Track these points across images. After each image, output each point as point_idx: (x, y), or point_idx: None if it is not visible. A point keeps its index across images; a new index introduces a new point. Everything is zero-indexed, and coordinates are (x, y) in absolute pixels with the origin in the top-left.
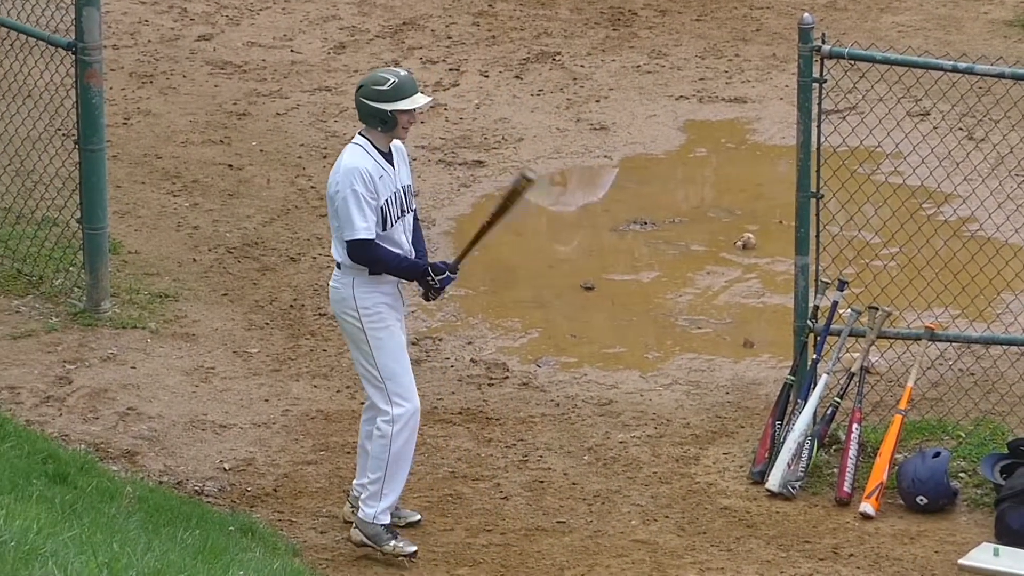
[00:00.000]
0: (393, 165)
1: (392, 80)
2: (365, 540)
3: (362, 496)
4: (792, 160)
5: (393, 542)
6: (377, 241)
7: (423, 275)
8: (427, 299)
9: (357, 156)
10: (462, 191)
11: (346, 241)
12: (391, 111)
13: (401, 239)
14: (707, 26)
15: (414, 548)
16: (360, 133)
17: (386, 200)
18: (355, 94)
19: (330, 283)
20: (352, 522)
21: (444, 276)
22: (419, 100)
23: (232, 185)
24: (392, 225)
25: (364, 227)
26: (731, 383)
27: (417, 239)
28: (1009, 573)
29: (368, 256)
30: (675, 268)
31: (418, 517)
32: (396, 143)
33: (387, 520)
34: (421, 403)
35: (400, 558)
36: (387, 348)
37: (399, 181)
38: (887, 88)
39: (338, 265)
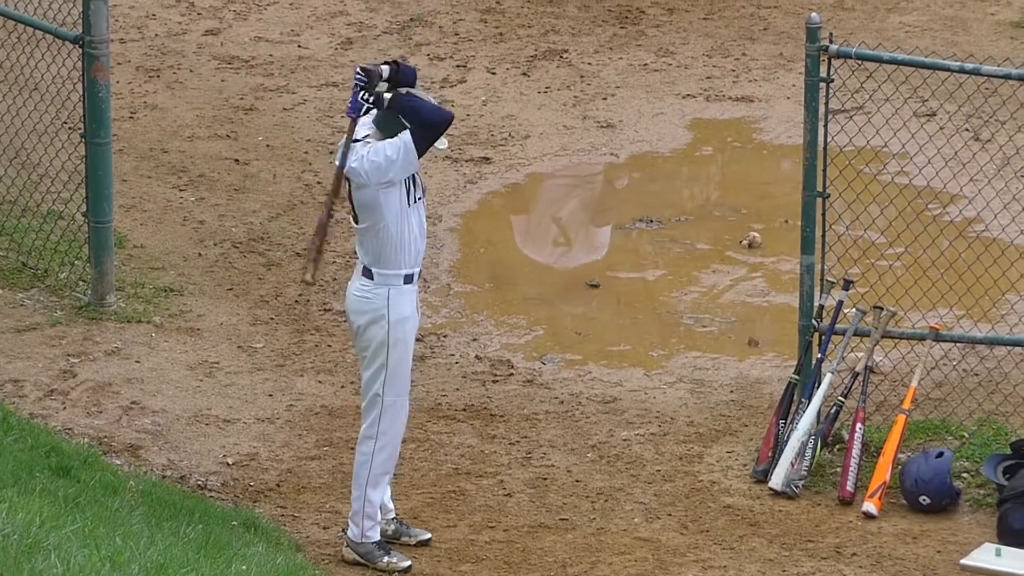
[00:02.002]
0: None
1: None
2: (358, 558)
3: (348, 515)
4: (798, 159)
5: (387, 558)
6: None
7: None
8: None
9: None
10: (468, 188)
11: (414, 137)
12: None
13: (421, 221)
14: (714, 25)
15: (408, 563)
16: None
17: (407, 176)
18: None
19: (352, 292)
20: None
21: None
22: (441, 141)
23: (238, 180)
24: (415, 202)
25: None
26: (735, 382)
27: None
28: (1011, 573)
29: (435, 114)
30: (680, 266)
31: (428, 536)
32: None
33: (376, 536)
34: (426, 399)
35: (395, 574)
36: (401, 367)
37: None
38: (894, 88)
39: (368, 275)
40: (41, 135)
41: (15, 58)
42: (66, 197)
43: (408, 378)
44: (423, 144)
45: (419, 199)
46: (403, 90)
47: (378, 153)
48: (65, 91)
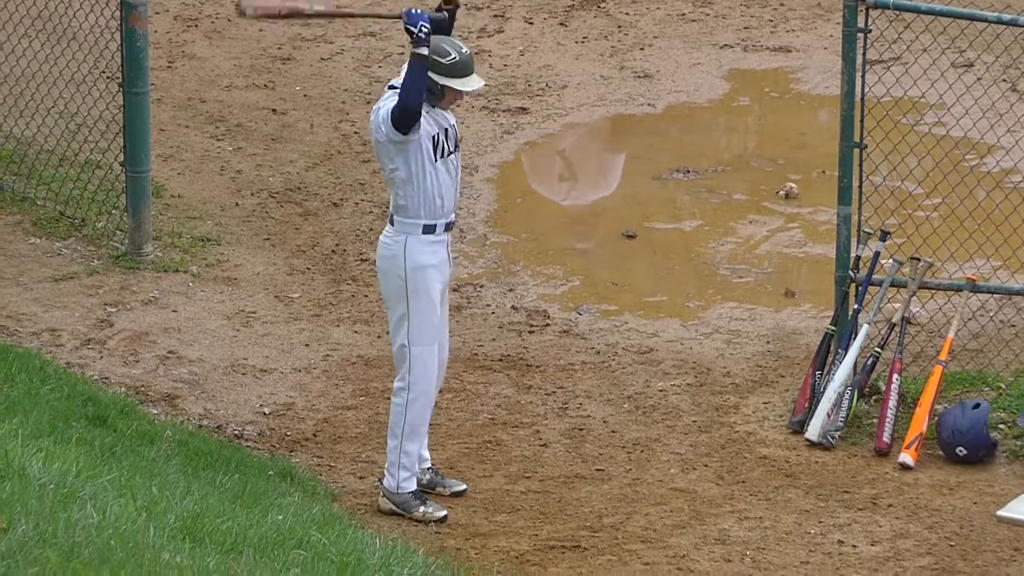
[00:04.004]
0: (435, 109)
1: (454, 56)
2: (394, 508)
3: (384, 465)
4: (835, 110)
5: (422, 508)
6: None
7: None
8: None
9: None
10: (505, 138)
11: (392, 109)
12: (443, 86)
13: (454, 176)
14: None
15: (444, 512)
16: (396, 85)
17: (439, 131)
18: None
19: (380, 238)
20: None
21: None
22: (473, 82)
23: (275, 130)
24: (445, 156)
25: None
26: (772, 332)
27: None
28: None
29: (411, 94)
30: (717, 217)
31: (463, 487)
32: None
33: (413, 486)
34: (462, 349)
35: (431, 523)
36: (424, 316)
37: (448, 120)
38: (931, 39)
39: (391, 221)
40: (79, 84)
41: (53, 7)
42: (104, 147)
43: (435, 328)
44: (395, 121)
45: (450, 153)
46: (422, 50)
47: (378, 112)
48: (103, 40)
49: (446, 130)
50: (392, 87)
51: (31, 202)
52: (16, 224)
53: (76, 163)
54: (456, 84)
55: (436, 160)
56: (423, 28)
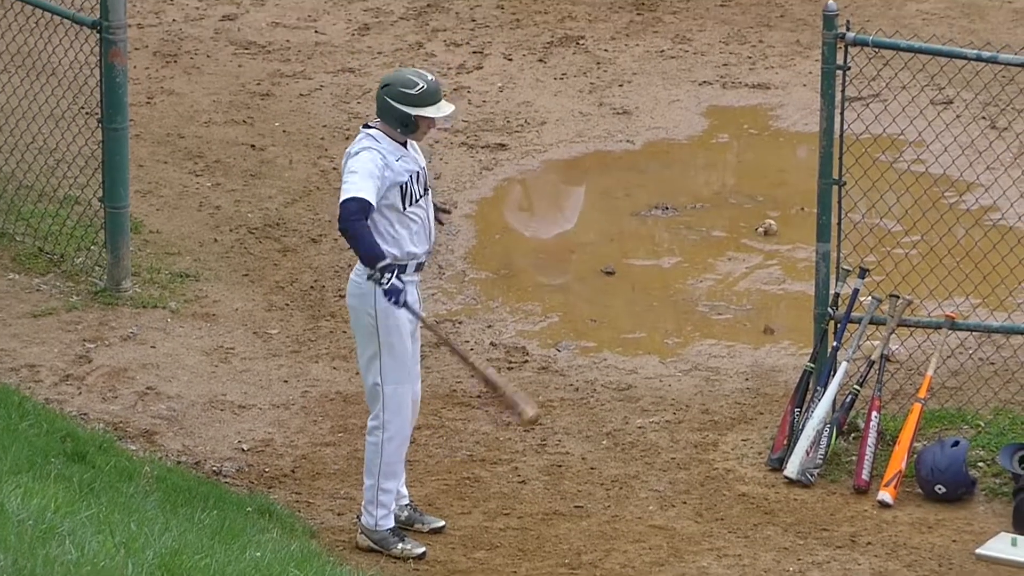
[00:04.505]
0: (407, 149)
1: (421, 85)
2: (372, 545)
3: (362, 503)
4: (814, 147)
5: (400, 544)
6: (365, 214)
7: (378, 268)
8: (378, 283)
9: (371, 139)
10: (484, 174)
11: (342, 202)
12: (414, 116)
13: (424, 220)
14: (731, 12)
15: (423, 549)
16: (371, 124)
17: (408, 178)
18: (379, 90)
19: (351, 276)
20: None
21: (393, 288)
22: (444, 108)
23: (254, 165)
24: (415, 203)
25: (362, 188)
26: (750, 369)
27: None
28: None
29: (354, 218)
30: (696, 254)
31: (442, 524)
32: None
33: (391, 523)
34: (440, 386)
35: (409, 560)
36: (396, 354)
37: (417, 163)
38: (911, 76)
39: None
40: (58, 120)
41: (33, 43)
42: (83, 182)
43: (407, 366)
44: (343, 212)
45: (419, 199)
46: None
47: (348, 158)
48: (82, 76)
49: (416, 174)
50: (367, 128)
51: (10, 238)
52: None
53: (55, 199)
54: (429, 112)
55: (404, 209)
56: (388, 295)
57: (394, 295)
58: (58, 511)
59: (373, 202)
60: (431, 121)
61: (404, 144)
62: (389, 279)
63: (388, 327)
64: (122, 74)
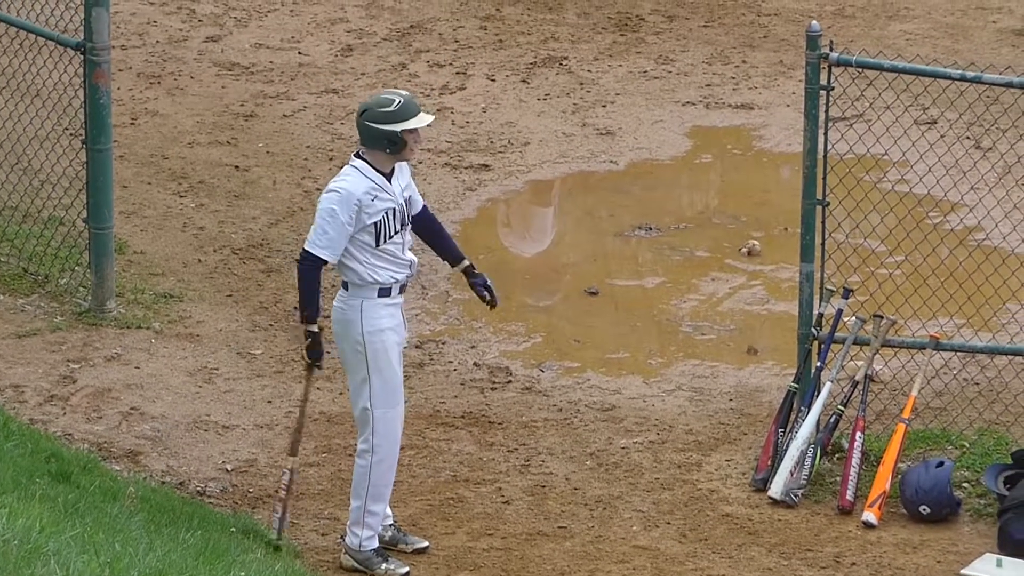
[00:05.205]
0: (392, 183)
1: (398, 100)
2: (356, 565)
3: (348, 523)
4: (798, 167)
5: (384, 565)
6: (320, 268)
7: (307, 331)
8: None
9: (351, 178)
10: (467, 195)
11: (302, 251)
12: (400, 131)
13: (400, 252)
14: (714, 32)
15: (406, 569)
16: (357, 155)
17: (383, 216)
18: (358, 119)
19: (335, 303)
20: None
21: (317, 352)
22: (425, 119)
23: (238, 186)
24: (387, 240)
25: (325, 246)
26: (734, 390)
27: (442, 237)
28: None
29: (307, 274)
30: (679, 274)
31: (426, 544)
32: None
33: (375, 544)
34: (424, 406)
35: None
36: (385, 378)
37: (400, 197)
38: (894, 96)
39: (344, 285)
40: (43, 141)
41: (17, 64)
42: (67, 203)
43: (397, 391)
44: (301, 264)
45: (391, 237)
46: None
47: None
48: (67, 97)
49: (392, 211)
50: (356, 158)
51: None
52: None
53: (39, 220)
54: (412, 124)
55: (377, 246)
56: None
57: (313, 357)
58: (43, 531)
59: (332, 261)
60: (416, 135)
61: (390, 174)
62: (310, 342)
63: (376, 351)
64: (106, 95)
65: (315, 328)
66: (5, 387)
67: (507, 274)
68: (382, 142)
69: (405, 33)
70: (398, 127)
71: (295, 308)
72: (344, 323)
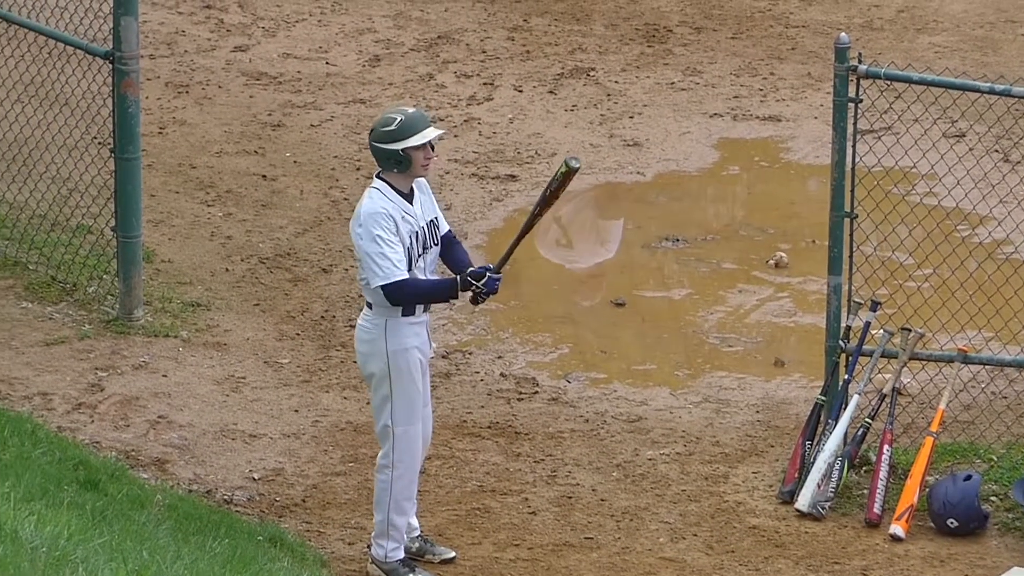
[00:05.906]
0: (413, 204)
1: (399, 119)
2: None
3: (372, 534)
4: (826, 179)
5: (411, 575)
6: (409, 277)
7: (462, 287)
8: (475, 303)
9: (375, 200)
10: (495, 205)
11: (381, 287)
12: (403, 150)
13: (423, 275)
14: (742, 44)
15: None
16: (377, 176)
17: (410, 240)
18: (368, 142)
19: (359, 322)
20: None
21: (487, 279)
22: (429, 134)
23: (265, 196)
24: (413, 264)
25: (396, 268)
26: (761, 402)
27: (460, 254)
28: None
29: (407, 295)
30: (706, 286)
31: (452, 554)
32: (417, 179)
33: (401, 555)
34: (451, 416)
35: None
36: (407, 397)
37: (422, 219)
38: (923, 109)
39: (368, 305)
40: (71, 150)
41: (46, 73)
42: (95, 212)
43: (417, 407)
44: (391, 298)
45: (420, 256)
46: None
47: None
48: (95, 106)
49: (419, 231)
50: (377, 178)
51: (23, 267)
52: (8, 288)
53: (68, 228)
54: (414, 141)
55: (409, 269)
56: (488, 294)
57: (490, 286)
58: (71, 539)
59: (406, 275)
60: (425, 150)
61: (410, 195)
62: (480, 286)
63: (400, 370)
64: (134, 104)
65: (458, 280)
66: (33, 395)
67: (533, 284)
68: (390, 162)
69: (432, 43)
70: (399, 145)
71: (322, 317)
72: (369, 342)
